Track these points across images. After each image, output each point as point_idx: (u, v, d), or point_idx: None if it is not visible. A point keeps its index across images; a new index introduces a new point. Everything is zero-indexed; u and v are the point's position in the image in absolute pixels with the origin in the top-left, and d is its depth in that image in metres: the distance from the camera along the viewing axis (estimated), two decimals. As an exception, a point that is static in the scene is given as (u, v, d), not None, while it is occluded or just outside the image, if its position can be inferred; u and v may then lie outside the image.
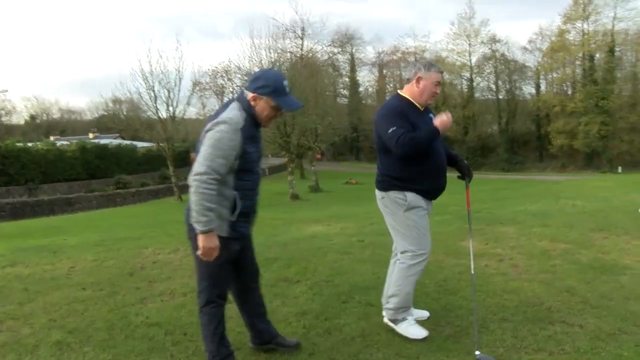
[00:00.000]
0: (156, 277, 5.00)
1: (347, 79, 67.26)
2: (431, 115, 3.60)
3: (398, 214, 3.52)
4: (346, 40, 63.18)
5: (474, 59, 61.13)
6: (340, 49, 63.36)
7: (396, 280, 3.57)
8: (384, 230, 7.30)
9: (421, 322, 3.67)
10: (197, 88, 48.29)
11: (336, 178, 42.72)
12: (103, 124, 59.83)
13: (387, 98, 4.22)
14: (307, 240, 6.60)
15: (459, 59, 61.22)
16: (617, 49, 54.73)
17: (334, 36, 61.14)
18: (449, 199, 13.47)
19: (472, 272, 3.80)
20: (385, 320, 3.64)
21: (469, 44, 60.45)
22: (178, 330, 3.63)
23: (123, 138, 50.18)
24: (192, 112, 53.86)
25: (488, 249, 6.04)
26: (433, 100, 3.59)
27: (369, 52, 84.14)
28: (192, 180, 2.65)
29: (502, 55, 60.23)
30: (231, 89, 44.93)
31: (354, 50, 65.82)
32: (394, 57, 66.46)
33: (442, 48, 63.93)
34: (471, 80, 61.58)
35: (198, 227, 2.65)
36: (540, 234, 6.71)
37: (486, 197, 12.34)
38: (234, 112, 2.76)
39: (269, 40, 32.15)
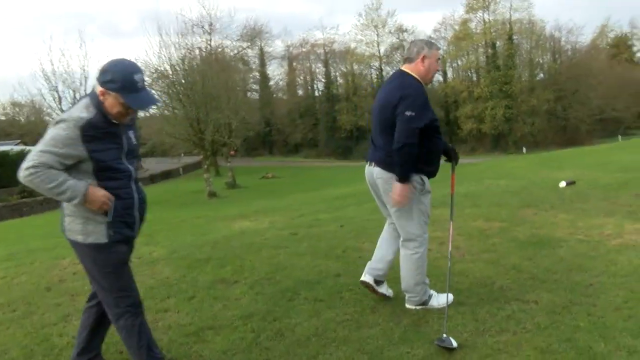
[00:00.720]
0: (79, 289, 4.44)
1: (257, 74, 66.63)
2: None
3: (414, 199, 3.45)
4: (255, 34, 62.46)
5: (382, 49, 62.69)
6: (249, 44, 62.57)
7: (414, 270, 3.56)
8: (315, 221, 7.22)
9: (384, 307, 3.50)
10: (105, 87, 46.05)
11: (252, 173, 42.25)
12: (1, 130, 55.74)
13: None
14: (237, 237, 6.25)
15: (367, 49, 62.61)
16: (515, 37, 58.04)
17: (243, 31, 60.27)
18: (367, 187, 13.56)
19: (449, 256, 3.74)
20: (412, 306, 3.62)
21: (377, 35, 61.97)
22: (112, 349, 3.20)
23: (25, 144, 46.93)
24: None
25: (429, 233, 5.98)
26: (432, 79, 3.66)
27: (278, 46, 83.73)
28: (23, 177, 2.39)
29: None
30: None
31: (263, 45, 65.24)
32: (303, 50, 66.82)
33: (351, 39, 65.22)
34: (380, 69, 63.00)
35: (75, 200, 2.43)
36: (473, 215, 6.76)
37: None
38: (78, 110, 2.49)
39: (177, 37, 31.18)
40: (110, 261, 2.58)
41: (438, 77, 64.30)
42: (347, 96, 62.25)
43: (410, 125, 3.23)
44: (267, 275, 4.54)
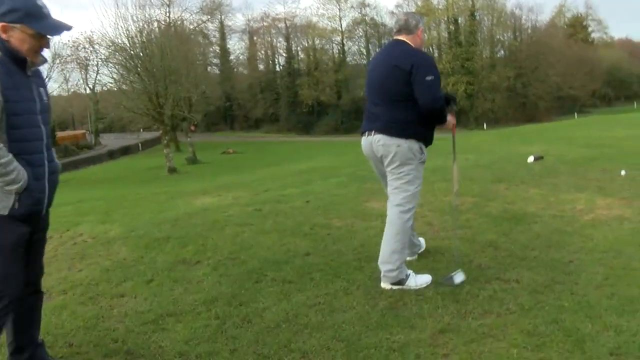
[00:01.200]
0: None
1: (217, 48, 65.24)
2: None
3: (408, 164, 3.46)
4: (215, 7, 61.06)
5: (344, 24, 62.21)
6: (209, 17, 61.10)
7: (396, 235, 3.47)
8: (281, 197, 6.94)
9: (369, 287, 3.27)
10: (58, 61, 44.60)
11: (213, 149, 41.52)
12: None
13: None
14: (199, 214, 5.92)
15: (329, 23, 62.15)
16: (477, 14, 58.41)
17: (202, 3, 58.87)
18: (338, 161, 13.29)
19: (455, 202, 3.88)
20: (388, 286, 3.42)
21: (339, 9, 61.35)
22: (60, 341, 2.87)
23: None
24: (53, 88, 49.73)
25: (397, 209, 5.79)
26: None
27: (238, 20, 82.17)
28: None
29: (372, 19, 61.87)
30: (96, 61, 41.94)
31: (223, 18, 63.83)
32: (264, 24, 65.71)
33: (312, 13, 64.46)
34: (342, 44, 62.59)
35: (16, 186, 2.06)
36: (444, 189, 6.58)
37: None
38: None
39: (134, 9, 30.09)
40: (3, 240, 2.14)
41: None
42: (309, 71, 61.71)
43: (433, 88, 3.34)
44: (232, 254, 4.25)
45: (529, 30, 66.06)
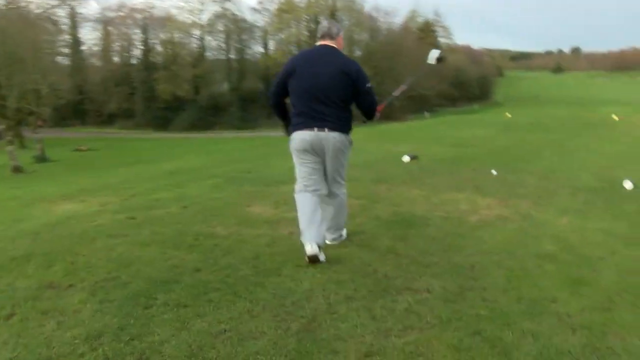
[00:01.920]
0: None
1: (68, 37, 60.04)
2: None
3: (347, 153, 4.18)
4: (66, -9, 55.99)
5: (205, 18, 60.56)
6: (58, 2, 55.94)
7: (341, 210, 4.32)
8: (154, 202, 6.34)
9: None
10: None
11: (63, 145, 38.06)
12: None
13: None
14: (63, 225, 5.17)
15: (189, 17, 60.01)
16: (337, 13, 60.24)
17: (51, -14, 53.56)
18: (207, 160, 12.73)
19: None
20: (333, 242, 4.32)
21: (200, 2, 59.62)
22: None
23: None
24: None
25: (282, 214, 5.53)
26: None
27: (92, 8, 76.46)
28: None
29: (233, 14, 61.00)
30: None
31: (75, 4, 58.83)
32: (120, 14, 61.66)
33: (172, 5, 62.10)
34: (202, 38, 61.06)
35: None
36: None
37: (247, 155, 11.97)
38: None
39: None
40: None
41: (260, 49, 64.57)
42: (167, 65, 59.14)
43: (372, 94, 4.04)
44: (110, 274, 3.67)
45: (385, 32, 69.51)
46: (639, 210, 5.83)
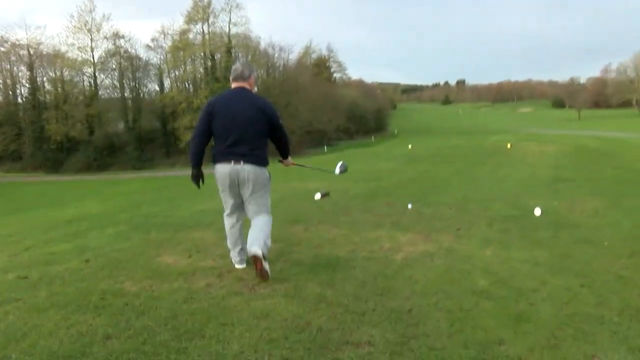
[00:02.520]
0: None
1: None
2: None
3: (267, 184, 4.61)
4: None
5: (96, 55, 58.38)
6: None
7: (267, 229, 4.59)
8: (50, 256, 5.58)
9: None
10: None
11: None
12: None
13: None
14: None
15: (80, 54, 57.64)
16: (233, 51, 60.36)
17: None
18: (109, 205, 11.82)
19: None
20: (258, 252, 4.29)
21: (91, 39, 57.46)
22: None
23: None
24: None
25: (197, 263, 5.07)
26: None
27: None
28: None
29: (126, 52, 59.33)
30: None
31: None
32: (2, 49, 57.82)
33: (61, 42, 59.36)
34: (94, 76, 58.66)
35: None
36: (243, 234, 6.09)
37: (151, 198, 11.22)
38: None
39: None
40: None
41: (155, 87, 63.11)
42: (57, 104, 56.06)
43: (284, 128, 4.67)
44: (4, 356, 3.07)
45: (281, 68, 70.51)
46: (553, 237, 5.95)
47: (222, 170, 4.47)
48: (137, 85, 60.58)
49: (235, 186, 4.52)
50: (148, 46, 61.63)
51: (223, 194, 4.70)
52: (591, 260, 5.06)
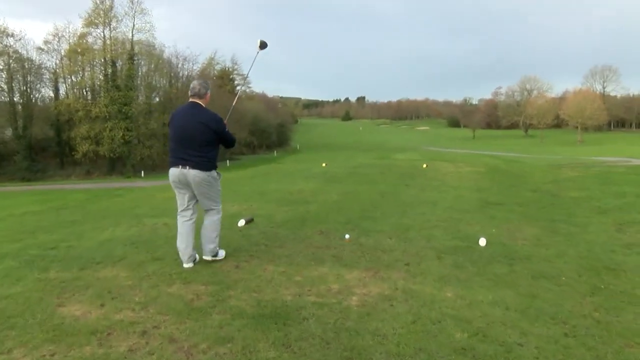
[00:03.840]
0: None
1: None
2: None
3: (215, 185, 5.46)
4: None
5: (-20, 54, 53.32)
6: None
7: (215, 228, 5.56)
8: None
9: None
10: None
11: None
12: None
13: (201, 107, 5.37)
14: None
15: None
16: (136, 58, 57.55)
17: None
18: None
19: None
20: (208, 258, 5.57)
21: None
22: None
23: None
24: None
25: (113, 315, 4.11)
26: None
27: None
28: None
29: (16, 52, 54.57)
30: None
31: None
32: None
33: None
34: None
35: None
36: (164, 274, 5.14)
37: (48, 220, 9.67)
38: None
39: None
40: None
41: (50, 93, 58.79)
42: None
43: (229, 134, 5.47)
44: None
45: (184, 79, 68.31)
46: (510, 272, 5.55)
47: (172, 173, 5.32)
48: (28, 89, 55.87)
49: (184, 186, 5.36)
50: (40, 49, 57.34)
51: (176, 192, 5.50)
52: (560, 302, 4.67)
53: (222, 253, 5.67)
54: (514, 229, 7.99)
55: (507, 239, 7.32)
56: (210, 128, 5.19)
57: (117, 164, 56.79)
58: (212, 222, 5.50)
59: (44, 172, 53.15)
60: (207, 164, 5.24)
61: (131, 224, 8.01)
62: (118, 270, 5.32)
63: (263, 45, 6.20)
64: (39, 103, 57.92)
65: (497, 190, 12.84)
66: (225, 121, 5.46)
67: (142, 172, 54.89)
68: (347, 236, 6.80)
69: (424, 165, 18.32)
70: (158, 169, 60.01)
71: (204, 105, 5.33)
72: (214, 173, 5.34)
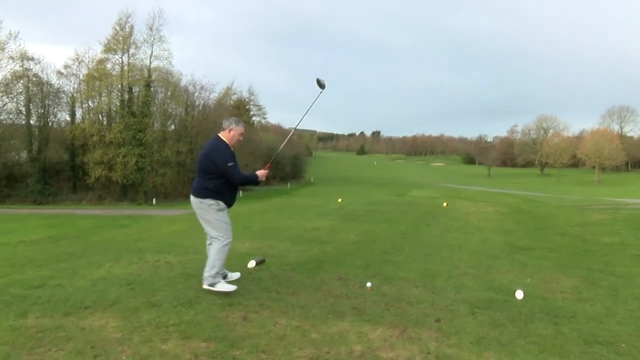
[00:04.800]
0: None
1: None
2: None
3: (211, 212, 5.53)
4: None
5: (0, 76, 53.68)
6: None
7: (215, 256, 5.51)
8: None
9: None
10: None
11: None
12: None
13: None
14: None
15: (-21, 73, 52.70)
16: (152, 85, 57.76)
17: None
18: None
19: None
20: (205, 286, 5.48)
21: (-6, 58, 52.84)
22: None
23: None
24: None
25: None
26: (237, 144, 5.77)
27: None
28: None
29: (36, 75, 54.88)
30: None
31: None
32: None
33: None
34: (-3, 99, 53.93)
35: None
36: (156, 324, 4.48)
37: (42, 251, 9.07)
38: None
39: None
40: None
41: (66, 116, 58.99)
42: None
43: (232, 170, 5.50)
44: None
45: (200, 107, 68.42)
46: (557, 334, 4.81)
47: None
48: (45, 112, 55.99)
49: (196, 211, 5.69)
50: (60, 72, 57.69)
51: None
52: (624, 378, 3.91)
53: (225, 287, 5.50)
54: (550, 279, 7.25)
55: (545, 290, 6.59)
56: (209, 157, 5.44)
57: (129, 191, 56.47)
58: (214, 250, 5.55)
59: (56, 195, 52.91)
60: (202, 191, 5.49)
61: (132, 260, 7.37)
62: (108, 317, 4.66)
63: (321, 84, 6.20)
64: (54, 126, 58.06)
65: (523, 233, 12.06)
66: (268, 165, 6.10)
67: (154, 199, 54.54)
68: (368, 284, 6.10)
69: (445, 204, 17.57)
70: (170, 197, 59.62)
71: (224, 138, 5.58)
72: (208, 200, 5.47)
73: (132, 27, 56.76)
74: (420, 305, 5.49)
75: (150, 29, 56.90)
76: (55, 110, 57.97)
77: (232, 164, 5.43)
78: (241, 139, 5.72)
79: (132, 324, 4.48)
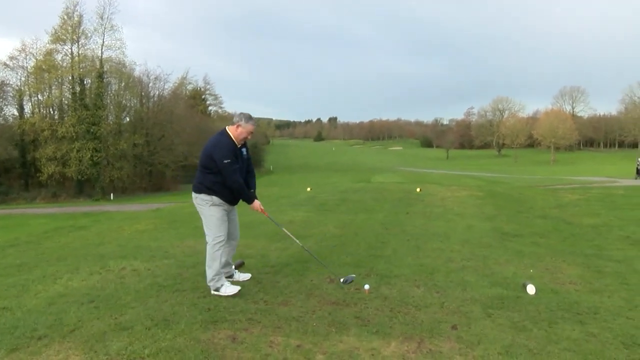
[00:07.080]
0: None
1: None
2: (244, 149, 5.57)
3: (204, 209, 5.38)
4: None
5: None
6: None
7: (208, 257, 5.34)
8: None
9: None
10: None
11: None
12: None
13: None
14: None
15: None
16: (105, 76, 55.58)
17: None
18: None
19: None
20: (212, 292, 5.26)
21: None
22: None
23: None
24: None
25: None
26: (244, 141, 5.51)
27: None
28: None
29: (-24, 67, 52.15)
30: None
31: None
32: None
33: None
34: None
35: None
36: (131, 354, 3.71)
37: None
38: None
39: None
40: None
41: (13, 111, 56.38)
42: None
43: (226, 169, 5.24)
44: None
45: (155, 98, 66.45)
46: (588, 337, 4.27)
47: None
48: (-9, 107, 53.39)
49: None
50: (5, 64, 54.97)
51: None
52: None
53: (229, 289, 5.26)
54: (553, 269, 6.77)
55: (552, 282, 6.09)
56: (208, 153, 5.29)
57: (85, 186, 54.49)
58: (207, 251, 5.39)
59: (6, 194, 50.47)
60: (198, 186, 5.40)
61: (93, 270, 6.51)
62: (68, 349, 3.83)
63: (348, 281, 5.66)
64: (1, 121, 55.41)
65: (506, 218, 11.63)
66: (266, 214, 5.76)
67: (112, 194, 52.77)
68: (366, 287, 5.44)
69: (418, 190, 17.07)
70: (128, 191, 57.88)
71: (230, 133, 5.38)
72: (202, 195, 5.36)
73: (80, 16, 54.48)
74: (429, 309, 4.87)
75: (101, 17, 54.69)
76: (2, 104, 55.33)
77: (228, 161, 5.20)
78: (249, 137, 5.46)
79: (99, 356, 3.69)
